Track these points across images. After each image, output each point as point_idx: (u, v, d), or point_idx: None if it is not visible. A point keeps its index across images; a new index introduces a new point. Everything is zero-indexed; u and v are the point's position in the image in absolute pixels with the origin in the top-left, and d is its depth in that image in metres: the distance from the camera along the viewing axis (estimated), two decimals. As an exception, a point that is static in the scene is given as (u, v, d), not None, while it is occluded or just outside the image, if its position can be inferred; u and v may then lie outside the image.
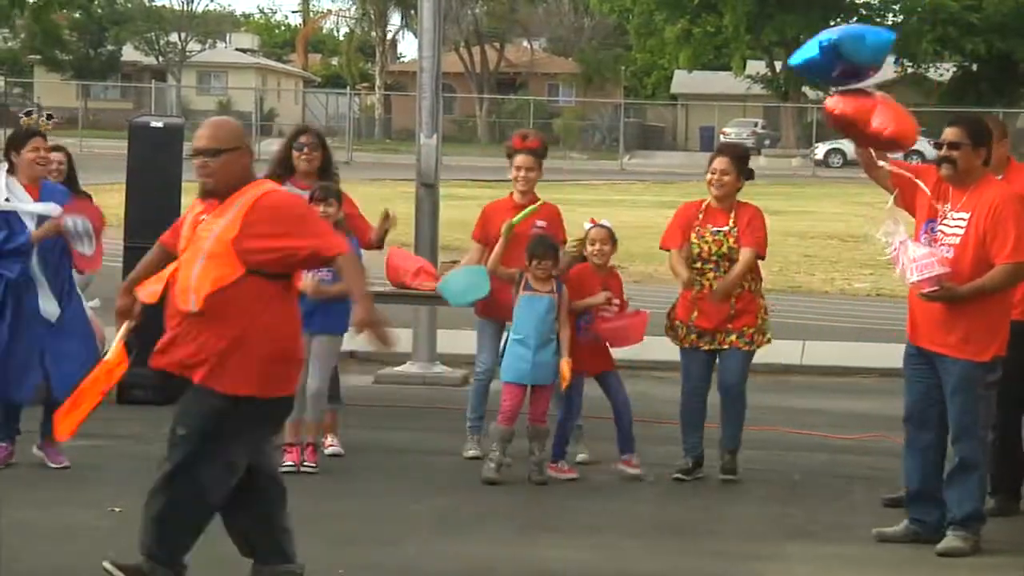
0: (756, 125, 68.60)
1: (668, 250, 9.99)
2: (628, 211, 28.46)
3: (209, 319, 6.77)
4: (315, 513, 8.74)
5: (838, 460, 10.53)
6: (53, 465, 9.72)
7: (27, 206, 9.60)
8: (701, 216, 9.84)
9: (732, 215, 9.80)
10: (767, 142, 65.53)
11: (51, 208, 9.70)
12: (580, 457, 10.26)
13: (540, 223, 10.36)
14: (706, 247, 9.75)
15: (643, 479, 9.88)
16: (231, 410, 6.79)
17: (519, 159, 10.41)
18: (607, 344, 9.99)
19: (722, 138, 63.64)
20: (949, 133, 8.31)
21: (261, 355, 6.76)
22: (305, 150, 10.55)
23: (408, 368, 13.86)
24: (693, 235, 9.79)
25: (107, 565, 6.86)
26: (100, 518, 8.46)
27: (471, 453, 10.29)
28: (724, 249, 9.73)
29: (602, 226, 10.07)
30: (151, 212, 12.20)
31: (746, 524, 8.94)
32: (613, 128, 63.97)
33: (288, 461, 9.68)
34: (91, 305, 11.76)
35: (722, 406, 9.94)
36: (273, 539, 7.01)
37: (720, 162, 9.86)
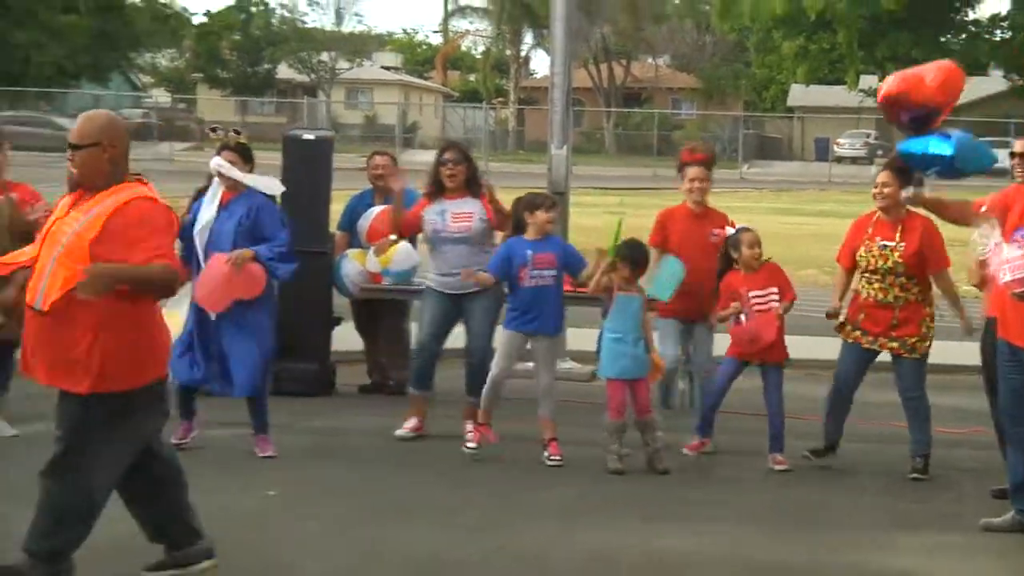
0: (868, 136, 67.96)
1: (840, 265, 10.05)
2: (747, 217, 28.10)
3: (57, 322, 6.33)
4: (451, 500, 8.80)
5: (947, 453, 10.36)
6: (264, 453, 9.83)
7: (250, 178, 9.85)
8: (871, 229, 9.76)
9: (899, 229, 9.67)
10: (879, 152, 64.69)
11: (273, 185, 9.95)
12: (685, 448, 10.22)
13: (715, 231, 10.37)
14: (872, 260, 9.69)
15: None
16: (97, 409, 6.40)
17: (691, 171, 10.47)
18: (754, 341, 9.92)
19: (836, 149, 63.33)
20: (1018, 145, 8.25)
21: (117, 352, 6.36)
22: (448, 165, 10.56)
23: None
24: (862, 248, 9.74)
25: None
26: (256, 502, 8.54)
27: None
28: (889, 263, 9.64)
29: (746, 230, 10.05)
30: (303, 218, 12.31)
31: (859, 514, 8.83)
32: (733, 139, 63.72)
33: (472, 443, 9.91)
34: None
35: (905, 412, 9.89)
36: (182, 521, 6.86)
37: (883, 176, 9.78)
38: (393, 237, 11.19)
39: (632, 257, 9.77)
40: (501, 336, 10.06)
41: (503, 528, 8.17)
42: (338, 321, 12.61)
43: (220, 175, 9.80)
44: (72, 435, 6.43)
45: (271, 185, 9.92)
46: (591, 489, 9.25)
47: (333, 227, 12.48)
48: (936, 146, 8.55)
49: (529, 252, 9.86)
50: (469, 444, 9.94)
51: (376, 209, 12.01)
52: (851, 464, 9.98)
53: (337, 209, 12.41)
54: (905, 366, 9.79)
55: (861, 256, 9.76)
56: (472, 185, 10.61)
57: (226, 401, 10.18)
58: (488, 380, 10.01)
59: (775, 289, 9.93)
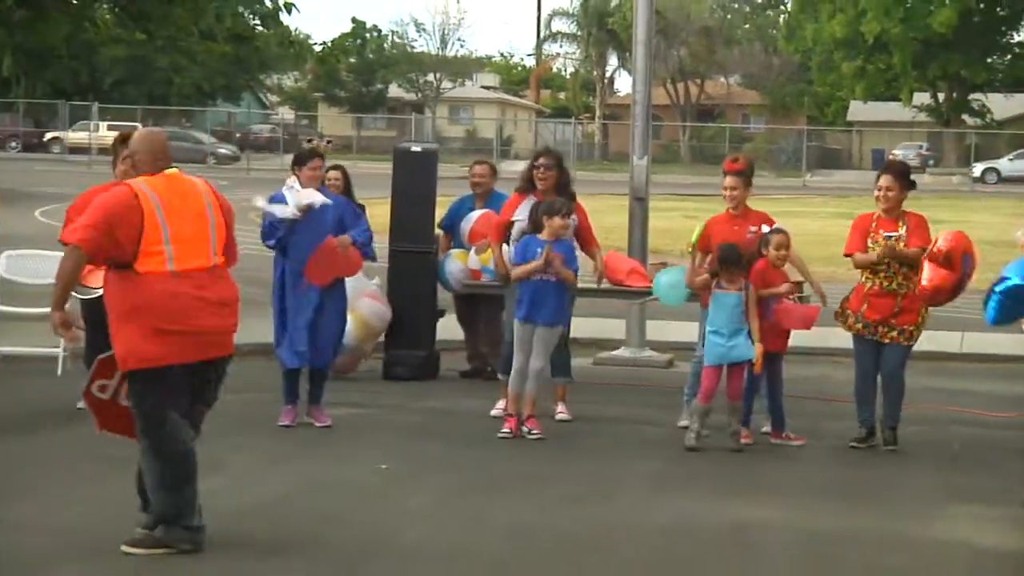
0: (921, 147, 67.16)
1: (850, 256, 9.87)
2: (810, 221, 28.12)
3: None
4: (545, 474, 8.78)
5: (993, 435, 10.23)
6: (318, 424, 9.88)
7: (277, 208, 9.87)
8: (875, 224, 9.73)
9: (901, 222, 9.67)
10: (931, 162, 64.03)
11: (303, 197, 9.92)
12: (765, 428, 10.12)
13: (752, 228, 10.27)
14: (879, 250, 9.60)
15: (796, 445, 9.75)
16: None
17: (726, 180, 10.38)
18: (781, 324, 9.83)
19: (891, 159, 62.72)
20: (883, 181, 8.18)
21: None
22: (541, 170, 10.54)
23: (622, 352, 13.83)
24: (869, 240, 9.68)
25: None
26: (371, 475, 8.54)
27: (684, 423, 10.20)
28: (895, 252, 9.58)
29: (779, 232, 9.95)
30: (410, 221, 12.39)
31: (913, 488, 8.71)
32: (797, 150, 63.16)
33: (505, 428, 9.79)
34: (374, 283, 12.01)
35: (883, 389, 9.75)
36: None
37: (884, 179, 9.74)
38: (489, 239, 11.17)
39: (726, 259, 9.69)
40: (517, 329, 10.00)
41: (592, 499, 8.14)
42: (442, 313, 12.64)
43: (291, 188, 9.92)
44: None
45: (306, 196, 9.90)
46: (671, 465, 9.19)
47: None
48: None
49: (539, 251, 9.83)
50: (503, 431, 9.84)
51: (477, 213, 12.01)
52: (901, 444, 9.83)
53: (441, 213, 12.44)
54: (896, 352, 9.67)
55: (869, 247, 9.70)
56: (561, 190, 10.55)
57: (340, 384, 10.24)
58: (514, 372, 9.92)
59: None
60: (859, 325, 9.69)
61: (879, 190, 9.75)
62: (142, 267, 6.45)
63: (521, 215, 10.48)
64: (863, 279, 9.77)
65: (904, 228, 9.64)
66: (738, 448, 9.52)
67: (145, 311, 6.43)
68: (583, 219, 10.56)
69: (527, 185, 10.62)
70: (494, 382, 11.55)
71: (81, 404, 10.15)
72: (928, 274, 7.85)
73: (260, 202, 9.98)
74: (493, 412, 10.44)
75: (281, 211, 9.81)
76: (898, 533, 7.53)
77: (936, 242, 7.82)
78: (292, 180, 9.95)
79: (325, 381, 10.02)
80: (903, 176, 9.81)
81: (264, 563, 6.45)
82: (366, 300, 11.85)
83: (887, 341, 9.64)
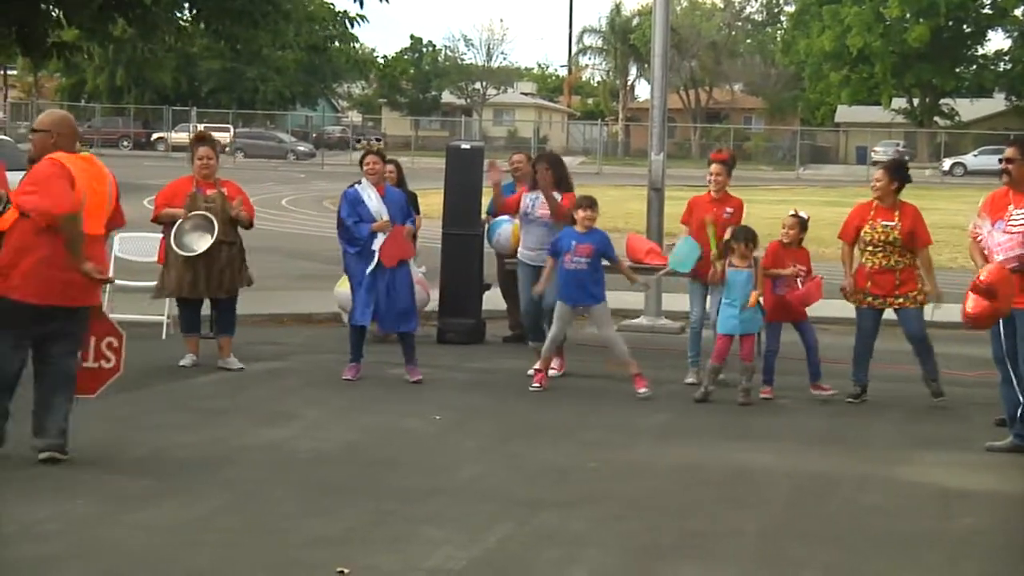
0: (898, 145, 66.45)
1: (843, 240, 9.86)
2: (802, 208, 27.85)
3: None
4: (573, 423, 8.77)
5: (961, 392, 10.13)
6: (411, 379, 9.91)
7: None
8: (872, 212, 9.66)
9: (897, 212, 9.59)
10: (907, 158, 63.21)
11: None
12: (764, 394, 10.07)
13: (729, 209, 10.32)
14: (876, 235, 9.57)
15: (832, 399, 9.69)
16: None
17: (712, 167, 10.49)
18: (808, 301, 9.79)
19: (873, 155, 62.26)
20: (1007, 152, 8.10)
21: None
22: (541, 169, 10.49)
23: (641, 320, 13.80)
24: (867, 227, 9.62)
25: None
26: (427, 424, 8.56)
27: (690, 380, 10.25)
28: (890, 239, 9.54)
29: (793, 215, 10.00)
30: (460, 208, 12.38)
31: (889, 437, 8.67)
32: (791, 147, 62.82)
33: (536, 383, 9.83)
34: (422, 270, 12.00)
35: (914, 352, 9.69)
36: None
37: (877, 172, 9.77)
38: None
39: (747, 236, 9.66)
40: (557, 307, 9.95)
41: (612, 444, 8.13)
42: (488, 287, 12.63)
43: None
44: None
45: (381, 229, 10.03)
46: (681, 416, 9.17)
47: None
48: None
49: (573, 242, 9.79)
50: (534, 384, 9.86)
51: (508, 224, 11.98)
52: (881, 399, 9.79)
53: (487, 202, 12.41)
54: (911, 314, 9.60)
55: (866, 233, 9.63)
56: (560, 184, 10.54)
57: (393, 348, 10.26)
58: (548, 339, 9.94)
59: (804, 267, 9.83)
60: (868, 299, 9.63)
61: (873, 180, 9.77)
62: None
63: (527, 201, 10.62)
64: (864, 260, 9.70)
65: (898, 219, 9.56)
66: (748, 402, 9.48)
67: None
68: (566, 201, 10.47)
69: (532, 183, 10.69)
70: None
71: (183, 361, 10.27)
72: (971, 304, 7.85)
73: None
74: (531, 371, 10.44)
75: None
76: (875, 475, 7.49)
77: (979, 276, 7.84)
78: (366, 182, 9.98)
79: (413, 344, 10.02)
80: (892, 170, 9.75)
81: (336, 499, 6.48)
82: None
83: (896, 307, 9.56)
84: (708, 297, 10.31)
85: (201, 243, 9.97)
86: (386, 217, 9.88)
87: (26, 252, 6.75)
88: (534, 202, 10.57)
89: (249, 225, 10.26)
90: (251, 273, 10.42)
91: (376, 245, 9.87)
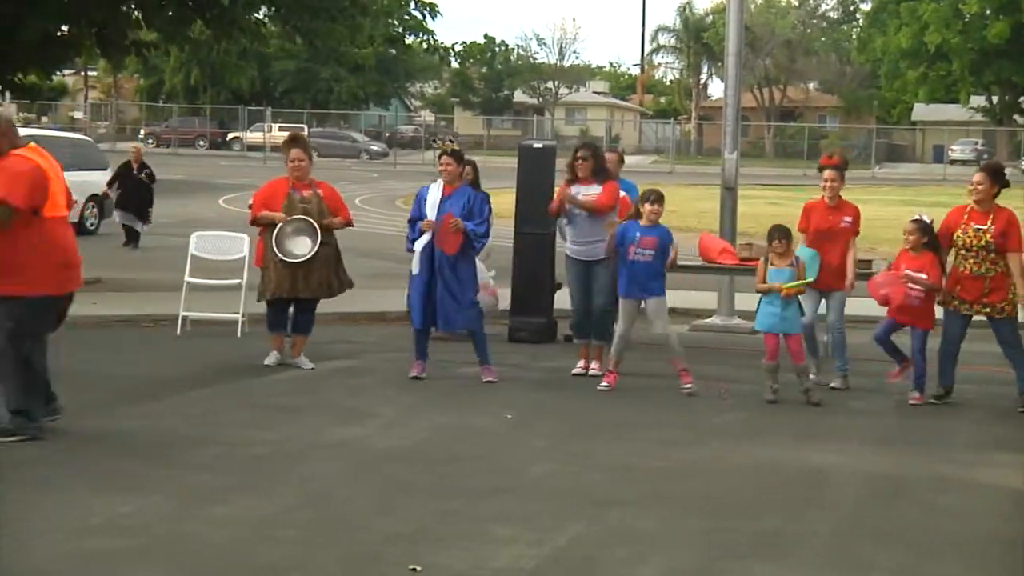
0: (976, 143, 65.73)
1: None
2: (878, 208, 27.65)
3: None
4: (642, 422, 8.76)
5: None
6: (484, 379, 9.92)
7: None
8: (966, 216, 9.54)
9: (991, 217, 9.46)
10: (985, 156, 62.47)
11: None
12: (833, 384, 10.01)
13: (847, 218, 10.18)
14: (968, 239, 9.46)
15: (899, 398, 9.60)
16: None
17: (826, 173, 10.33)
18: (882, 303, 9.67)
19: (950, 154, 61.53)
20: (976, 177, 8.19)
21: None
22: (579, 161, 10.49)
23: (714, 320, 13.76)
24: (959, 231, 9.51)
25: None
26: (498, 423, 8.59)
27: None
28: (982, 243, 9.44)
29: (915, 221, 9.75)
30: (532, 208, 12.40)
31: (965, 438, 8.58)
32: (867, 146, 62.17)
33: (604, 383, 9.80)
34: (490, 275, 12.03)
35: (1008, 359, 9.62)
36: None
37: (978, 176, 9.55)
38: None
39: (783, 233, 9.61)
40: (621, 303, 9.91)
41: (684, 443, 8.11)
42: (559, 286, 12.63)
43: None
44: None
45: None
46: (753, 416, 9.13)
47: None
48: None
49: (638, 235, 9.75)
50: (603, 384, 9.83)
51: None
52: (961, 400, 9.67)
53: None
54: (1001, 325, 9.52)
55: (958, 237, 9.52)
56: (599, 174, 10.49)
57: (463, 346, 10.29)
58: (616, 336, 9.88)
59: (924, 275, 9.62)
60: (955, 302, 9.55)
61: (971, 184, 9.59)
62: (48, 212, 7.25)
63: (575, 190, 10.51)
64: (957, 262, 9.60)
65: (991, 223, 9.43)
66: (816, 402, 9.42)
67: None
68: (608, 189, 10.45)
69: (572, 176, 10.57)
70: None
71: (268, 360, 10.37)
72: None
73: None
74: (574, 372, 10.42)
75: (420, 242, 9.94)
76: (951, 477, 7.41)
77: None
78: (438, 183, 10.04)
79: (481, 343, 10.02)
80: (995, 174, 9.56)
81: (407, 497, 6.52)
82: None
83: (984, 316, 9.48)
84: (823, 301, 10.22)
85: (302, 249, 10.11)
86: (434, 217, 9.87)
87: (44, 250, 7.23)
88: (576, 195, 10.50)
89: (346, 226, 10.49)
90: (349, 276, 10.52)
91: (419, 246, 9.89)
